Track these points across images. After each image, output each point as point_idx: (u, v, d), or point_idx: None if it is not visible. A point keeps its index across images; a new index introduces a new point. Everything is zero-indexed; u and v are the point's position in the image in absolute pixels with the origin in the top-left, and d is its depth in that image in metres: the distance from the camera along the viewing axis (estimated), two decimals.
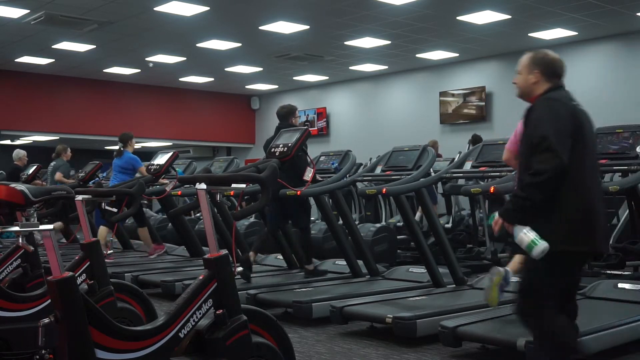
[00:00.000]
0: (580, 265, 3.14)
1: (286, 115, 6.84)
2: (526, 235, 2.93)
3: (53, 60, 13.49)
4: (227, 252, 2.77)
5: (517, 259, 4.44)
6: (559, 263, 2.97)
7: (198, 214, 10.91)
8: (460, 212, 10.23)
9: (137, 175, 8.30)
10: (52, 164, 10.62)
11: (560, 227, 2.95)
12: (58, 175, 10.17)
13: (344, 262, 6.75)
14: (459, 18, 10.42)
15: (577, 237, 2.97)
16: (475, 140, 10.17)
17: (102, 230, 8.44)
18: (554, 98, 3.05)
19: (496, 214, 3.01)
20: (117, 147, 8.86)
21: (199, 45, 12.14)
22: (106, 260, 3.82)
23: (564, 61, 3.21)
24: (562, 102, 3.03)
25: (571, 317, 3.21)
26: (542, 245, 2.91)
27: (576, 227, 2.97)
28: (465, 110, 13.74)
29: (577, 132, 2.97)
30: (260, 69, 14.57)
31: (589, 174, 3.02)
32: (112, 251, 8.82)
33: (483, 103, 13.40)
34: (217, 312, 2.70)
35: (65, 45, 12.22)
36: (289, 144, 3.17)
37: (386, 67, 14.39)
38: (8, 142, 16.20)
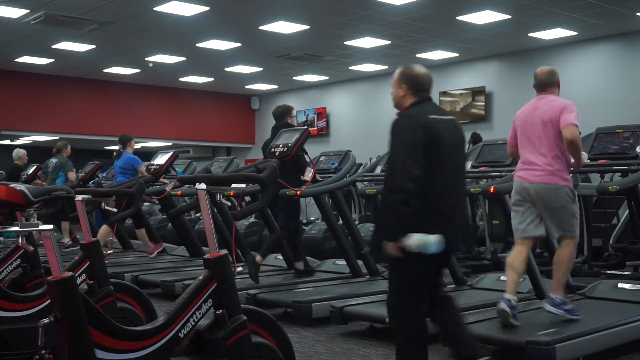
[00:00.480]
0: (438, 263, 3.34)
1: (282, 115, 6.86)
2: (414, 239, 3.09)
3: (53, 60, 13.49)
4: (227, 252, 2.77)
5: (509, 279, 4.47)
6: (419, 262, 3.18)
7: (198, 214, 10.91)
8: None
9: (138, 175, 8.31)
10: (52, 160, 10.54)
11: (416, 230, 3.14)
12: (71, 175, 10.12)
13: (344, 262, 6.75)
14: (459, 18, 10.42)
15: None
16: (475, 138, 10.16)
17: (104, 229, 8.43)
18: (410, 114, 3.33)
19: (386, 244, 3.13)
20: (116, 148, 8.86)
21: (199, 45, 12.14)
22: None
23: (431, 75, 3.49)
24: (416, 118, 3.28)
25: (442, 310, 3.50)
26: (432, 237, 3.09)
27: (430, 230, 3.14)
28: (465, 110, 13.73)
29: (433, 144, 3.20)
30: (260, 69, 14.57)
31: (445, 180, 3.24)
32: (111, 251, 8.83)
33: (483, 103, 13.40)
34: (217, 312, 2.69)
35: (65, 45, 12.22)
36: (289, 144, 3.17)
37: (386, 67, 14.39)
38: (8, 142, 16.20)
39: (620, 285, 5.24)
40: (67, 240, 9.55)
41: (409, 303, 3.29)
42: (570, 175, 4.78)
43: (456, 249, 3.45)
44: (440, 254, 3.14)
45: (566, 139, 4.32)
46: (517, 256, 4.51)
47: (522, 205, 4.55)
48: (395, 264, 3.27)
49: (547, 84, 4.59)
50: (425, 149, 3.16)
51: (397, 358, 3.38)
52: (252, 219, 9.76)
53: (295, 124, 7.14)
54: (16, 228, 2.72)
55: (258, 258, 6.60)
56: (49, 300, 3.26)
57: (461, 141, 3.43)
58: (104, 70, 14.67)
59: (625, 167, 5.40)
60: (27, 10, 9.92)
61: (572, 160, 4.53)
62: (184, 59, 13.42)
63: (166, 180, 7.49)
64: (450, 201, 3.25)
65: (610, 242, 7.31)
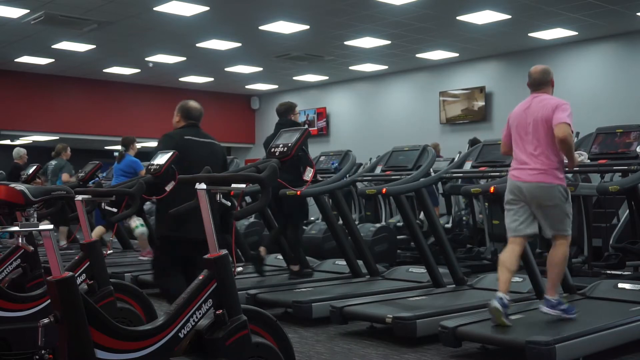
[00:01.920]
0: (173, 246, 4.37)
1: (285, 112, 6.87)
2: (133, 222, 4.03)
3: (53, 60, 13.49)
4: (227, 252, 2.77)
5: (502, 278, 4.48)
6: (162, 244, 4.45)
7: None
8: (460, 212, 10.23)
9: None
10: (52, 162, 10.57)
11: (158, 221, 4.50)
12: (65, 177, 10.12)
13: (344, 262, 6.75)
14: (459, 18, 10.42)
15: (161, 227, 4.44)
16: (474, 143, 10.16)
17: (98, 229, 8.42)
18: (169, 134, 4.64)
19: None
20: (118, 149, 8.85)
21: (199, 45, 12.15)
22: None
23: (201, 110, 4.85)
24: (172, 137, 4.60)
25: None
26: (140, 229, 4.03)
27: (162, 222, 4.40)
28: (465, 110, 13.74)
29: (183, 157, 4.21)
30: (260, 69, 14.57)
31: (177, 186, 3.99)
32: (111, 251, 8.82)
33: (483, 103, 13.40)
34: (217, 312, 2.69)
35: (65, 45, 12.22)
36: (289, 144, 3.16)
37: (386, 67, 14.40)
38: (8, 142, 16.20)
39: (620, 285, 5.24)
40: (63, 242, 9.52)
41: (156, 273, 4.60)
42: (571, 174, 4.77)
43: (187, 237, 4.33)
44: (172, 240, 4.29)
45: (557, 137, 4.29)
46: (509, 255, 4.51)
47: (515, 204, 4.55)
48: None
49: (541, 83, 4.58)
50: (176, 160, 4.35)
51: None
52: (252, 219, 9.76)
53: (299, 121, 7.17)
54: (16, 228, 2.72)
55: (262, 249, 6.65)
56: (49, 300, 3.25)
57: (212, 159, 4.49)
58: (104, 70, 14.67)
59: (625, 167, 5.39)
60: (27, 10, 9.92)
61: (566, 160, 4.51)
62: (184, 59, 13.42)
63: None
64: (172, 203, 3.73)
65: (610, 242, 7.30)
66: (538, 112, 4.43)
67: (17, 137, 16.34)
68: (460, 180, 7.73)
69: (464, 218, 9.88)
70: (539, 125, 4.40)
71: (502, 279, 4.46)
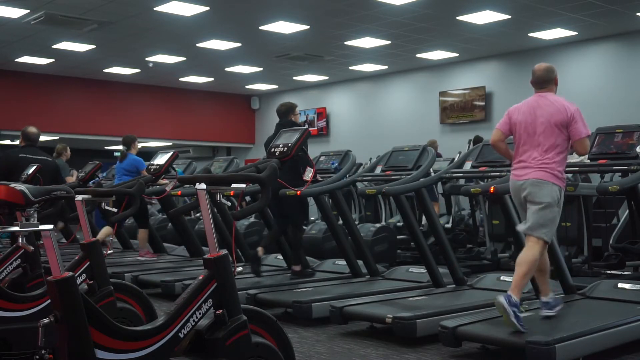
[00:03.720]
0: None
1: (286, 113, 6.87)
2: None
3: (53, 60, 13.49)
4: (227, 252, 2.77)
5: (516, 273, 4.40)
6: None
7: (198, 214, 10.91)
8: (460, 212, 10.23)
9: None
10: None
11: None
12: (68, 179, 10.14)
13: (344, 262, 6.75)
14: (459, 18, 10.42)
15: None
16: (477, 141, 10.15)
17: (105, 230, 8.43)
18: (5, 153, 6.20)
19: None
20: (120, 149, 8.87)
21: (199, 45, 12.15)
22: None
23: (38, 132, 6.39)
24: (7, 155, 6.41)
25: None
26: None
27: None
28: (465, 110, 13.74)
29: (19, 170, 5.72)
30: (260, 69, 14.57)
31: None
32: (112, 251, 8.82)
33: (483, 103, 13.40)
34: (217, 312, 2.69)
35: (65, 45, 12.22)
36: (289, 144, 3.16)
37: (386, 67, 14.40)
38: (8, 142, 16.19)
39: (620, 285, 5.23)
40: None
41: None
42: (571, 174, 4.75)
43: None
44: None
45: (579, 153, 4.50)
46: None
47: (521, 207, 4.54)
48: None
49: (545, 81, 4.52)
50: (6, 171, 5.94)
51: None
52: (252, 219, 9.76)
53: (299, 121, 7.18)
54: (16, 228, 2.72)
55: (260, 249, 6.63)
56: (49, 300, 3.25)
57: (42, 171, 5.58)
58: (104, 70, 14.67)
59: (625, 167, 5.38)
60: (27, 10, 9.92)
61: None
62: (184, 59, 13.43)
63: (166, 181, 7.49)
64: None
65: (610, 242, 7.30)
66: (552, 115, 4.35)
67: (17, 137, 16.32)
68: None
69: (465, 218, 9.88)
70: (551, 128, 4.33)
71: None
